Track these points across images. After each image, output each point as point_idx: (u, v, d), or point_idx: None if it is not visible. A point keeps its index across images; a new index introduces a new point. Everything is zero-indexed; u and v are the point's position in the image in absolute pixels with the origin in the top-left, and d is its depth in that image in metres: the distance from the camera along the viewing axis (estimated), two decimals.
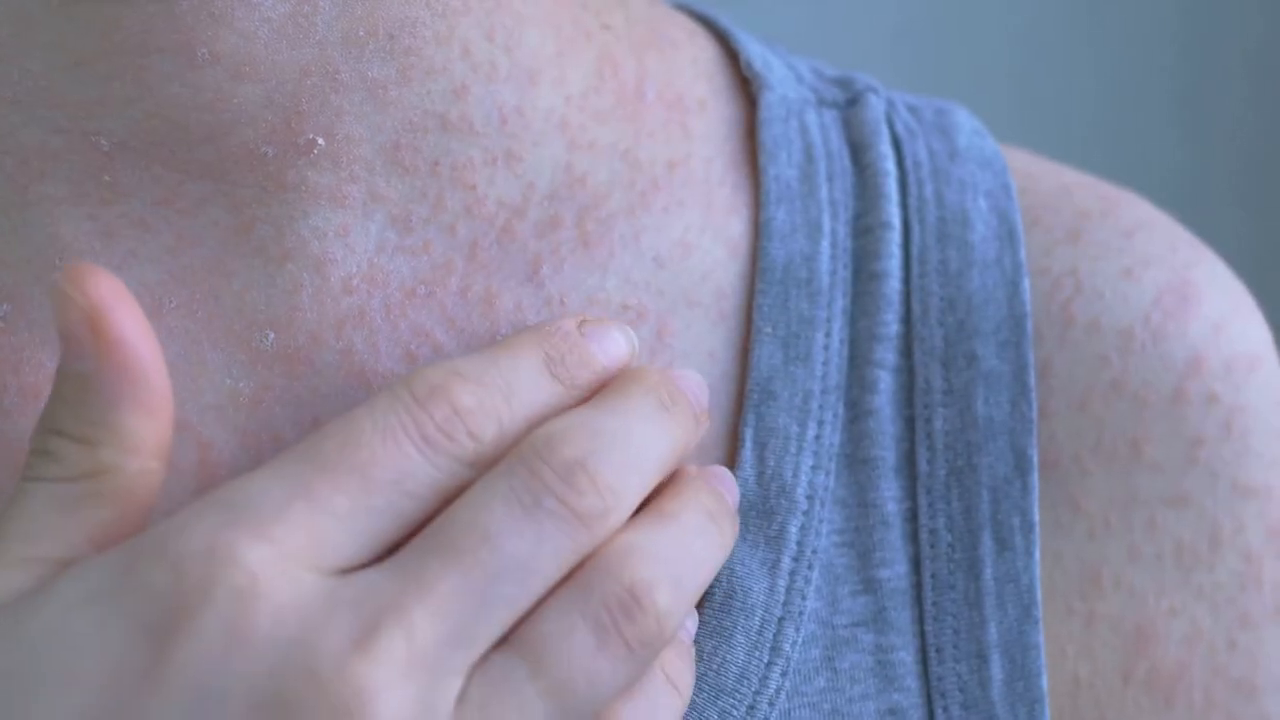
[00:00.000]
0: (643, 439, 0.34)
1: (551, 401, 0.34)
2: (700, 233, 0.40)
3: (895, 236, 0.40)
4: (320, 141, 0.35)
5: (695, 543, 0.34)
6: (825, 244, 0.40)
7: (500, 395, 0.33)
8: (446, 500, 0.32)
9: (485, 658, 0.31)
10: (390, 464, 0.31)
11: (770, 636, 0.37)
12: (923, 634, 0.38)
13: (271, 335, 0.36)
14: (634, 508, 0.33)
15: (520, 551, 0.31)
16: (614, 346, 0.36)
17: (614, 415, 0.34)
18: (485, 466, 0.32)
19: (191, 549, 0.29)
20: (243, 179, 0.35)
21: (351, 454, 0.31)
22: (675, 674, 0.34)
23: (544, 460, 0.32)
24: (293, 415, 0.36)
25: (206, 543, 0.29)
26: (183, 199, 0.35)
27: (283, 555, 0.29)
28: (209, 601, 0.29)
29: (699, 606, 0.37)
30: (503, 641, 0.31)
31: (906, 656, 0.38)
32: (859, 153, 0.42)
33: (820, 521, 0.38)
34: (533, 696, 0.31)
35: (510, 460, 0.32)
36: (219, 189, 0.35)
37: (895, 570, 0.38)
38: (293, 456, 0.31)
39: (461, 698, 0.30)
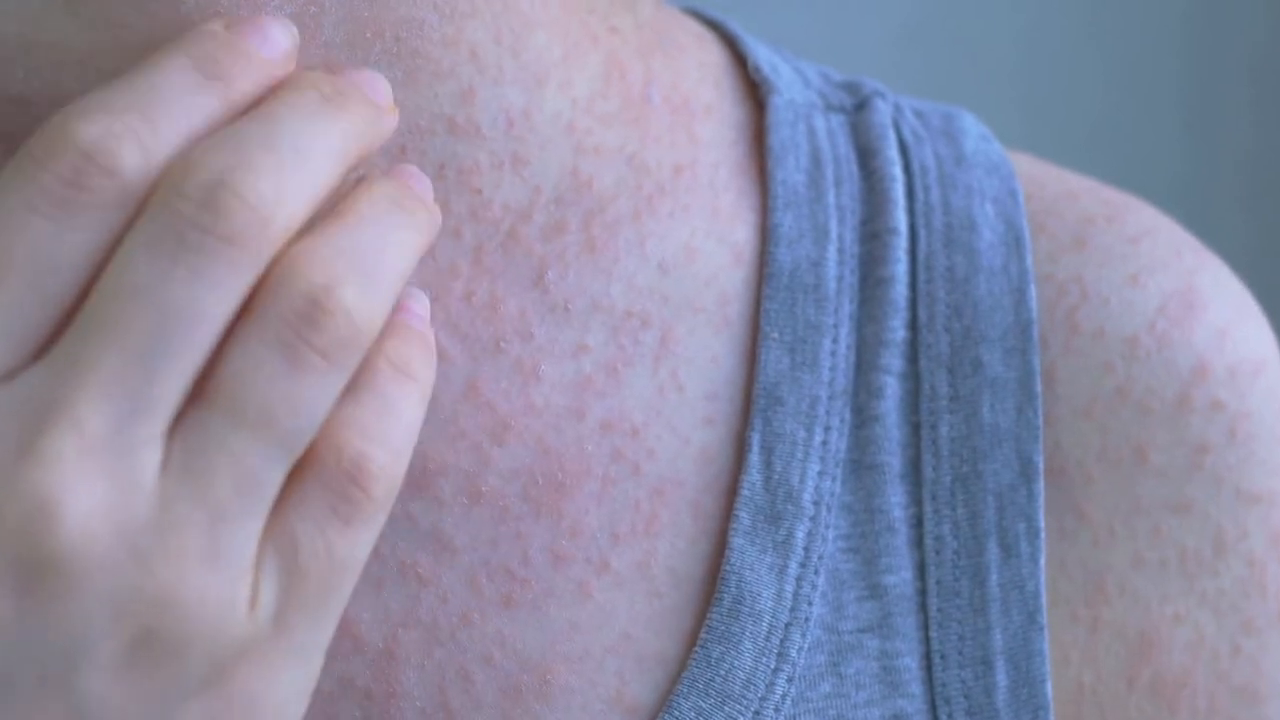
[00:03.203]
0: (299, 137, 0.31)
1: (211, 113, 0.31)
2: (705, 238, 0.40)
3: (902, 242, 0.40)
4: None
5: (380, 232, 0.32)
6: (832, 249, 0.40)
7: (137, 115, 0.30)
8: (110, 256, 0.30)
9: (182, 418, 0.29)
10: (18, 245, 0.29)
11: (777, 642, 0.37)
12: (928, 640, 0.38)
13: None
14: (304, 215, 0.30)
15: (176, 299, 0.29)
16: (271, 38, 0.32)
17: (260, 120, 0.31)
18: (141, 200, 0.30)
19: None
20: None
21: None
22: (404, 360, 0.32)
23: (179, 191, 0.29)
24: None
25: None
26: None
27: None
28: None
29: (708, 608, 0.37)
30: (197, 397, 0.29)
31: (911, 662, 0.38)
32: (866, 158, 0.42)
33: (827, 527, 0.38)
34: (239, 442, 0.29)
35: (149, 202, 0.29)
36: None
37: (901, 576, 0.38)
38: None
39: (164, 466, 0.29)
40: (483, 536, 0.37)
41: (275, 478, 0.30)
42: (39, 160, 0.29)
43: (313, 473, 0.31)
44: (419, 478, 0.36)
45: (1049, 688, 0.38)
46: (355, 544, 0.31)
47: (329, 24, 0.34)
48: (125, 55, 0.33)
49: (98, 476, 0.28)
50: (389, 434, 0.31)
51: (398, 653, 0.36)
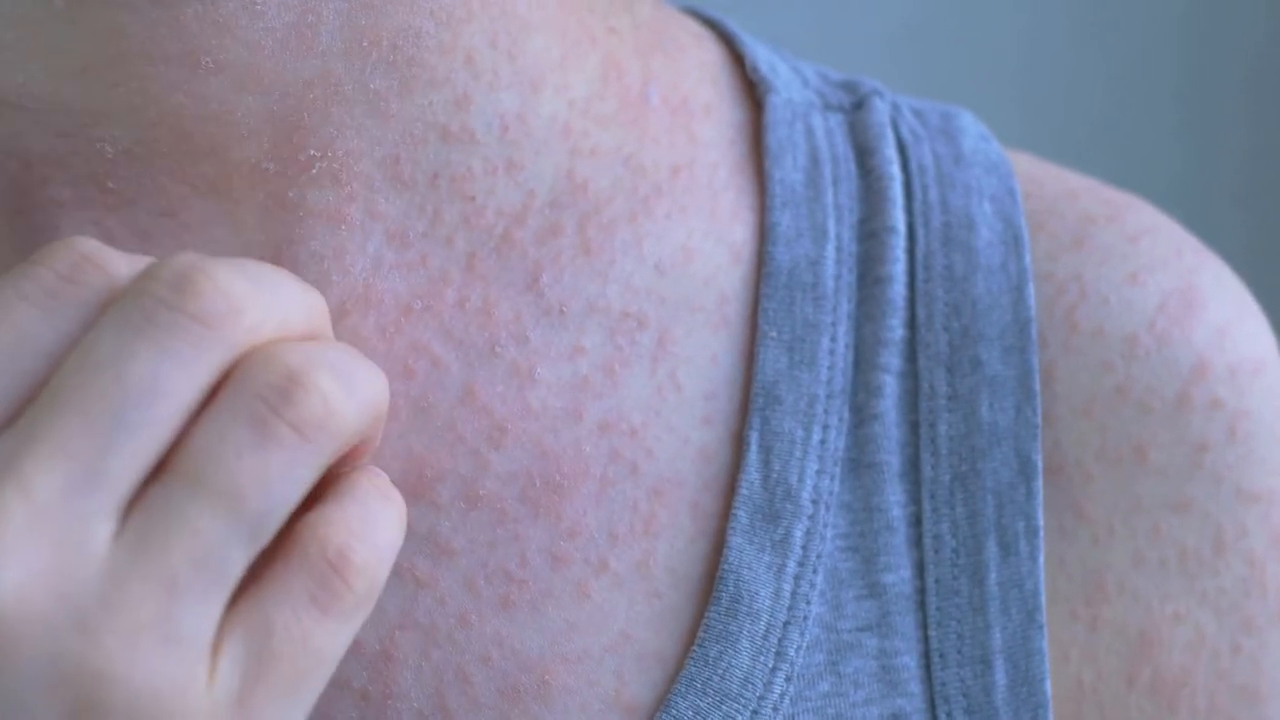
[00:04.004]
0: (272, 273, 0.32)
1: None
2: (703, 238, 0.40)
3: (900, 241, 0.40)
4: (321, 157, 0.35)
5: (353, 355, 0.32)
6: (830, 248, 0.40)
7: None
8: None
9: (144, 491, 0.29)
10: (3, 327, 0.30)
11: (775, 641, 0.37)
12: (926, 639, 0.38)
13: None
14: (273, 325, 0.31)
15: (140, 373, 0.29)
16: None
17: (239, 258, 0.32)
18: None
19: None
20: (244, 197, 0.35)
21: None
22: (385, 486, 0.32)
23: (153, 276, 0.30)
24: None
25: None
26: (186, 213, 0.35)
27: None
28: None
29: (707, 607, 0.37)
30: (161, 472, 0.29)
31: (910, 661, 0.38)
32: (864, 157, 0.42)
33: (825, 526, 0.38)
34: (200, 514, 0.29)
35: (124, 292, 0.30)
36: (221, 207, 0.35)
37: (899, 575, 0.38)
38: None
39: (119, 538, 0.29)
40: (481, 539, 0.37)
41: (237, 557, 0.29)
42: (39, 259, 0.30)
43: (294, 559, 0.30)
44: (416, 485, 0.36)
45: (1048, 686, 0.38)
46: (333, 635, 0.30)
47: (326, 33, 0.34)
48: (124, 64, 0.33)
49: (41, 543, 0.28)
50: (373, 535, 0.31)
51: (395, 654, 0.36)
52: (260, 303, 0.30)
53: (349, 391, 0.31)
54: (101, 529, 0.28)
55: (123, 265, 0.31)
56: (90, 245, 0.31)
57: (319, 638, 0.30)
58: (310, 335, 0.32)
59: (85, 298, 0.30)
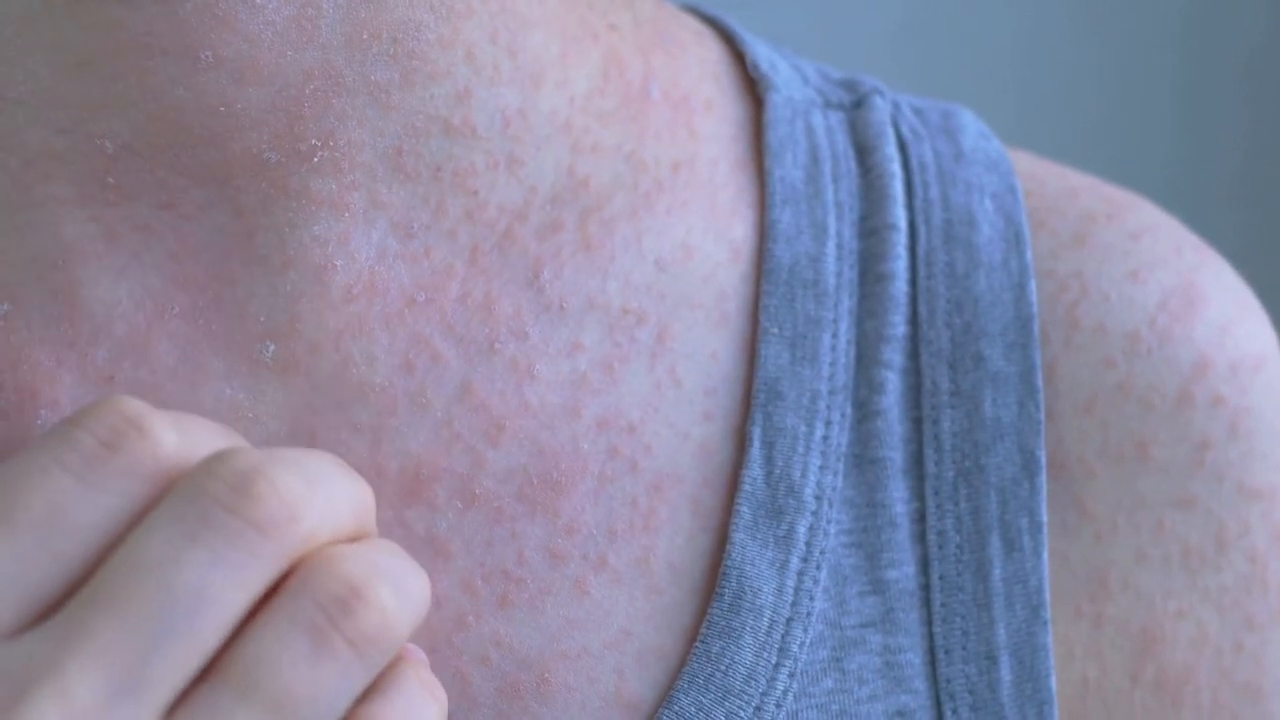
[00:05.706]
0: (329, 469, 0.31)
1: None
2: (703, 235, 0.40)
3: (901, 238, 0.40)
4: (322, 146, 0.35)
5: (405, 563, 0.32)
6: (831, 245, 0.40)
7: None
8: (130, 528, 0.29)
9: (188, 696, 0.28)
10: (39, 500, 0.28)
11: (778, 637, 0.37)
12: (931, 635, 0.38)
13: (272, 346, 0.35)
14: (327, 531, 0.30)
15: (191, 580, 0.28)
16: None
17: (299, 449, 0.32)
18: (172, 480, 0.30)
19: None
20: (246, 185, 0.35)
21: None
22: (430, 682, 0.32)
23: (213, 474, 0.29)
24: (289, 430, 0.36)
25: None
26: (186, 204, 0.35)
27: None
28: None
29: (709, 603, 0.37)
30: (208, 676, 0.29)
31: (915, 658, 0.38)
32: (864, 155, 0.42)
33: (828, 522, 0.38)
34: None
35: (178, 483, 0.29)
36: (222, 194, 0.35)
37: (903, 571, 0.38)
38: None
39: None
40: (478, 539, 0.36)
41: None
42: (79, 422, 0.29)
43: None
44: (412, 484, 0.36)
45: (1053, 682, 0.38)
46: None
47: (326, 25, 0.34)
48: (122, 58, 0.33)
49: None
50: None
51: None
52: (316, 506, 0.30)
53: (405, 601, 0.30)
54: None
55: (169, 434, 0.30)
56: (133, 407, 0.29)
57: None
58: (358, 532, 0.32)
59: (129, 468, 0.29)
